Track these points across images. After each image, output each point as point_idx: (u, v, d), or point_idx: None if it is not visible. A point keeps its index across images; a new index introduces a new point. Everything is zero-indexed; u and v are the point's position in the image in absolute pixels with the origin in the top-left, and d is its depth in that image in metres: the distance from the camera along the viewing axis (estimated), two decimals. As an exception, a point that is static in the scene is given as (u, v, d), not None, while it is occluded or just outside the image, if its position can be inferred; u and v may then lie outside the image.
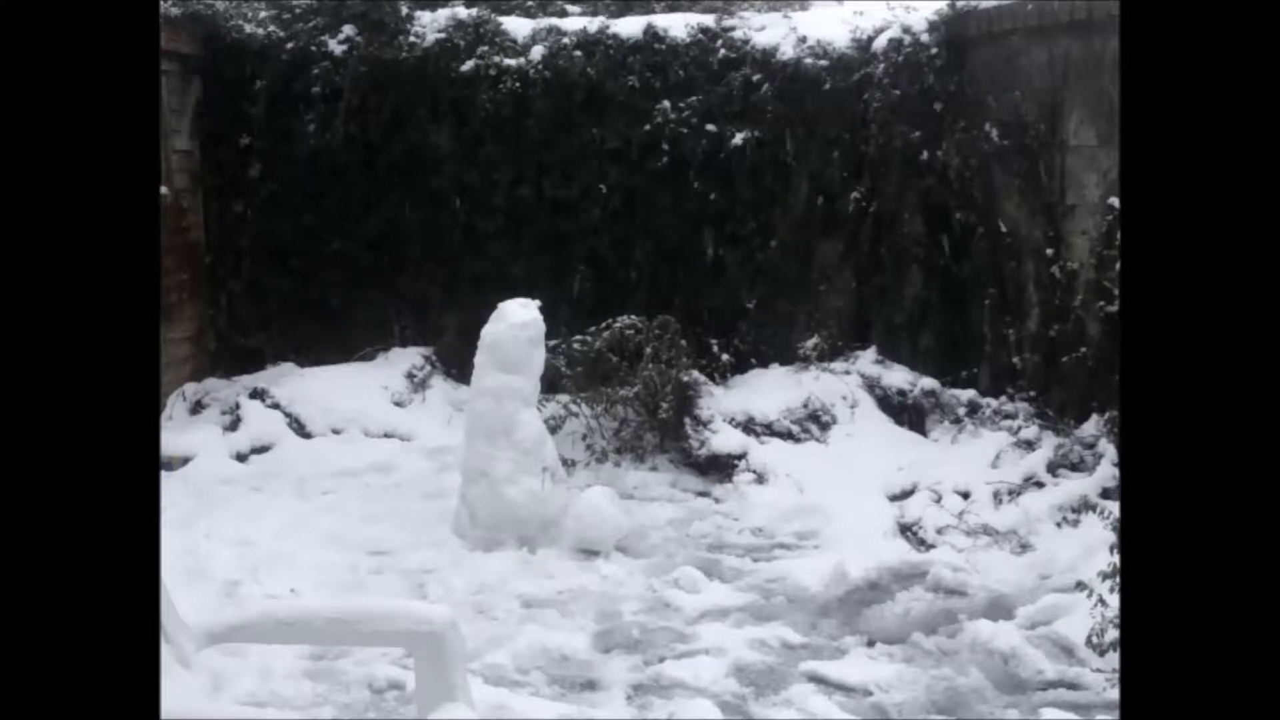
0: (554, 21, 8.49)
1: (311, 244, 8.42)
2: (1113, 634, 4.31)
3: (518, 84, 8.14)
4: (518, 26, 8.43)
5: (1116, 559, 4.28)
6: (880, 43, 7.90)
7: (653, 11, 8.66)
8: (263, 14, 8.52)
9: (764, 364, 8.05)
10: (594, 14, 8.67)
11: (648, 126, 8.11)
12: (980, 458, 6.68)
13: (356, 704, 4.33)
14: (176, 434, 7.26)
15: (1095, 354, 6.64)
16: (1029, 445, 6.65)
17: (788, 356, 7.94)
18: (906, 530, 6.10)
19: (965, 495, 6.32)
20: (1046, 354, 7.02)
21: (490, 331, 6.04)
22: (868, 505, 6.35)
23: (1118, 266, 6.31)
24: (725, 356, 7.96)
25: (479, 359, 6.06)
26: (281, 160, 8.37)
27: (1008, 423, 6.96)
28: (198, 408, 7.80)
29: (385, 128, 8.28)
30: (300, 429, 7.48)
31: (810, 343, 7.89)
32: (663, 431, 7.21)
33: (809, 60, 8.00)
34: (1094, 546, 5.11)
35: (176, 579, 5.16)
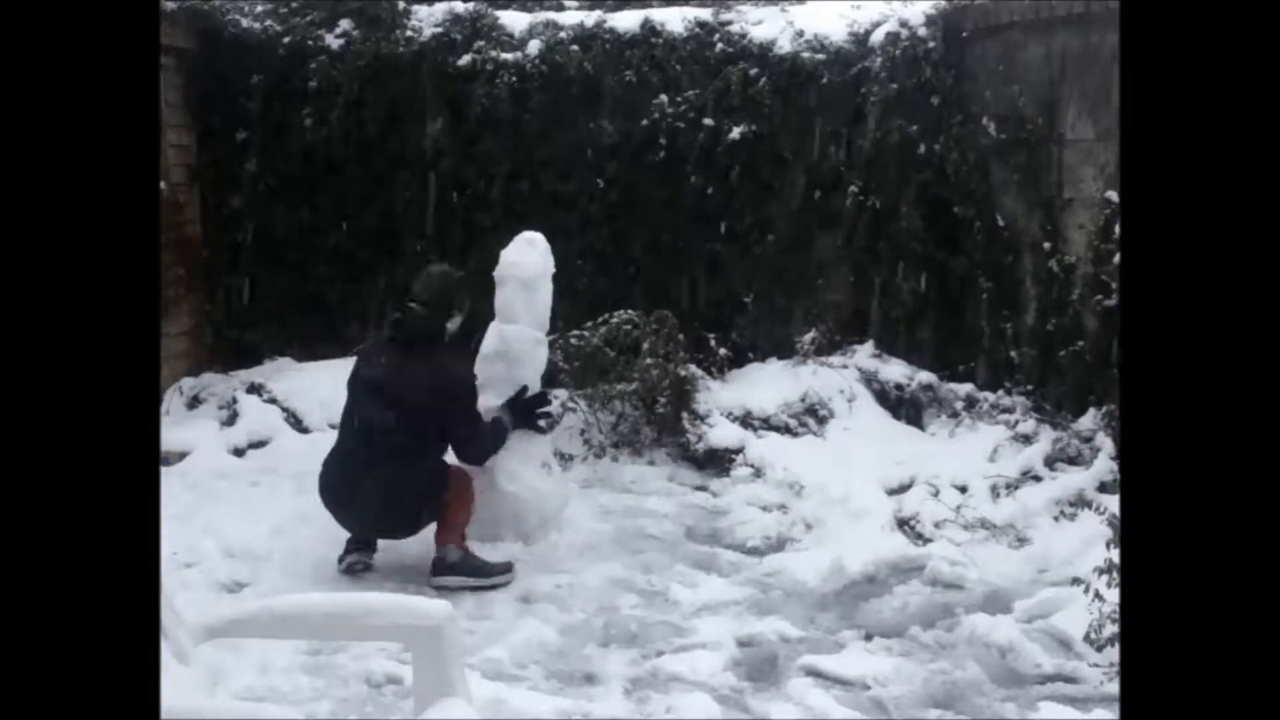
0: (551, 16, 8.46)
1: (308, 238, 8.41)
2: (1110, 628, 4.31)
3: (514, 78, 8.13)
4: (514, 21, 8.41)
5: (1113, 554, 4.29)
6: (877, 37, 7.89)
7: (650, 6, 8.64)
8: (259, 8, 8.50)
9: (761, 358, 8.04)
10: (591, 8, 8.64)
11: (645, 121, 8.09)
12: (978, 452, 6.67)
13: (354, 699, 4.33)
14: (174, 429, 7.25)
15: (1092, 348, 6.65)
16: (1026, 439, 6.65)
17: (785, 351, 7.93)
18: (904, 524, 6.09)
19: (963, 489, 6.32)
20: (1044, 348, 7.03)
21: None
22: (865, 499, 6.34)
23: (1115, 260, 6.31)
24: (723, 351, 7.94)
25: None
26: (278, 155, 8.35)
27: (1005, 416, 6.96)
28: (195, 402, 7.79)
29: (382, 122, 8.26)
30: (297, 424, 7.46)
31: (808, 337, 7.87)
32: (660, 426, 7.21)
33: (806, 54, 7.99)
34: (1091, 540, 5.11)
35: (174, 574, 5.19)
